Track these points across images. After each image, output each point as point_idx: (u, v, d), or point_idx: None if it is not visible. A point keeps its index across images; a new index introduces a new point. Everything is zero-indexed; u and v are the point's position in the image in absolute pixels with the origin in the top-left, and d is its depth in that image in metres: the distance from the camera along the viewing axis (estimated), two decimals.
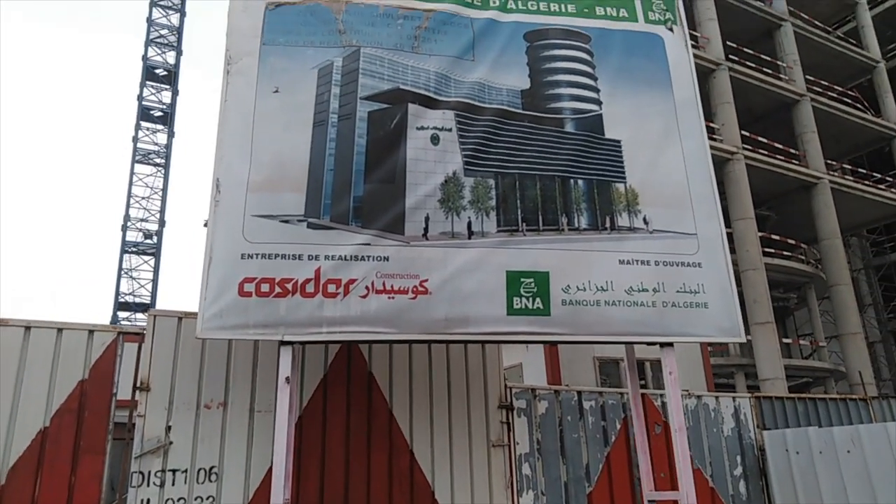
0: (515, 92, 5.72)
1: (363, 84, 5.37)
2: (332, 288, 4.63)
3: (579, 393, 7.17)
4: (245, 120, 5.02)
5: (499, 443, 6.14)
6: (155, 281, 30.13)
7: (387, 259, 4.81)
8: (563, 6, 6.18)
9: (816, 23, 24.40)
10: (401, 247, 4.89)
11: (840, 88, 24.54)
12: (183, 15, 32.21)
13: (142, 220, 30.43)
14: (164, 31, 31.75)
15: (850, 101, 24.44)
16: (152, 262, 30.42)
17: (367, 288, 4.69)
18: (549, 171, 5.53)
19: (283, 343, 4.53)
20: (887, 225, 27.29)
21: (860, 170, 25.18)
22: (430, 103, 5.45)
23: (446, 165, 5.29)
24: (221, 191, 4.75)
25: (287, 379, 4.45)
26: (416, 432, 5.81)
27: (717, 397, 8.21)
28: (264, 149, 4.97)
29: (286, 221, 4.77)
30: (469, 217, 5.17)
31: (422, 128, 5.35)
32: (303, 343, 4.83)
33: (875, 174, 25.00)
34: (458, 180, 5.25)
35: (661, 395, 7.48)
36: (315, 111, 5.21)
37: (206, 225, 4.89)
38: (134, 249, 30.24)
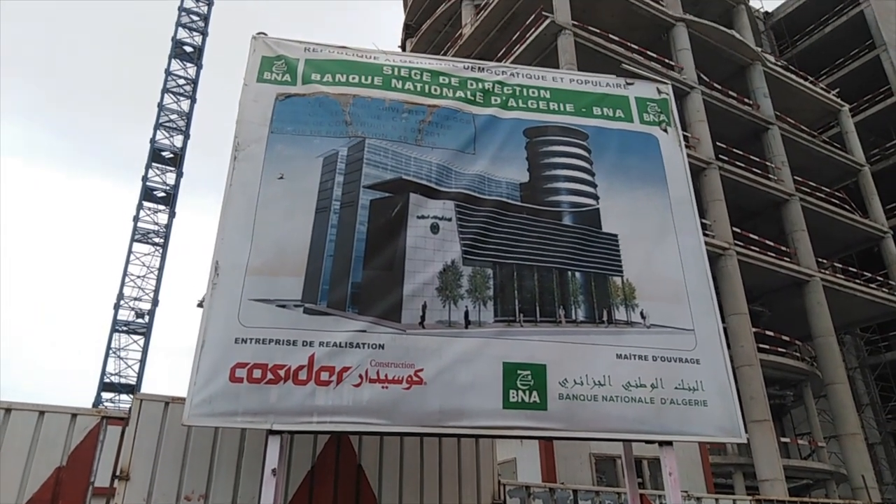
0: (514, 185, 5.85)
1: (367, 173, 5.50)
2: (325, 375, 4.54)
3: (575, 492, 6.89)
4: (249, 204, 5.10)
5: None
6: (143, 362, 29.60)
7: (382, 347, 4.75)
8: (561, 105, 6.43)
9: (802, 127, 25.43)
10: (397, 335, 4.84)
11: (828, 189, 25.25)
12: (193, 102, 33.40)
13: (135, 298, 30.26)
14: (173, 116, 32.79)
15: (837, 201, 25.08)
16: (142, 342, 29.97)
17: (360, 376, 4.60)
18: (547, 263, 5.57)
19: (271, 432, 4.38)
20: (881, 324, 27.28)
21: (851, 269, 25.48)
22: (431, 193, 5.56)
23: (445, 254, 5.33)
24: (220, 273, 4.75)
25: (273, 471, 4.27)
26: None
27: (716, 499, 7.92)
28: (266, 233, 5.02)
29: (283, 306, 4.74)
30: (466, 306, 5.15)
31: (422, 217, 5.44)
32: (292, 433, 4.67)
33: (865, 273, 25.26)
34: (457, 269, 5.27)
35: (660, 496, 7.20)
36: (318, 198, 5.30)
37: (199, 306, 4.85)
38: (125, 328, 29.87)
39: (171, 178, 32.22)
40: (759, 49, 25.43)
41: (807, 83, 26.80)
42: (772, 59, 26.51)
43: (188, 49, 34.01)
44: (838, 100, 27.60)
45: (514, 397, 4.85)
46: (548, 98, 6.44)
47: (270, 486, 4.23)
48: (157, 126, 32.25)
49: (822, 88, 27.70)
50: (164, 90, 32.94)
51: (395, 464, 5.74)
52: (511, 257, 5.50)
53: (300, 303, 4.79)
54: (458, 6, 25.28)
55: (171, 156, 32.35)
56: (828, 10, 32.31)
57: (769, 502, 8.44)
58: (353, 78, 5.99)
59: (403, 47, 29.26)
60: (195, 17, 34.47)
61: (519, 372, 4.96)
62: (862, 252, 26.80)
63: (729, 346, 18.48)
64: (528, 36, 19.92)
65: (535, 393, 4.92)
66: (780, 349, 20.78)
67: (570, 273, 5.57)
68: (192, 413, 4.30)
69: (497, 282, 5.35)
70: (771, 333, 20.87)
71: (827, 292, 21.43)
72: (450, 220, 5.49)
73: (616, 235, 5.80)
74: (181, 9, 34.08)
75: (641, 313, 5.51)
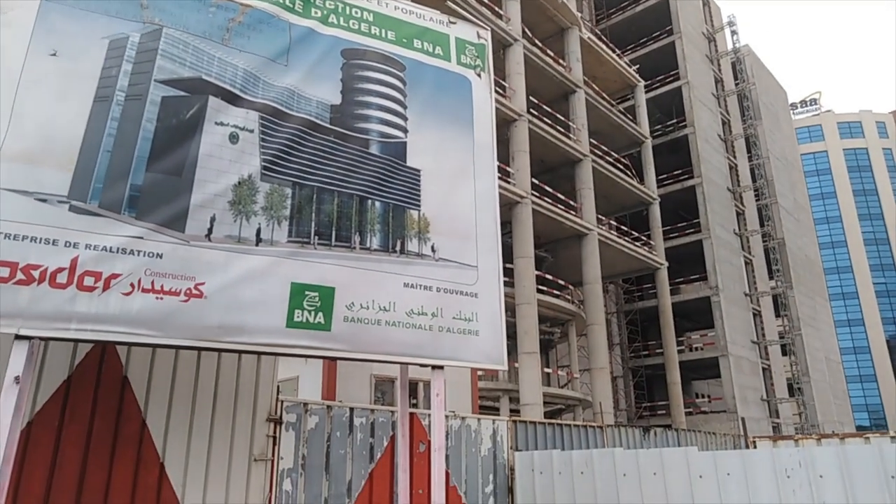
0: (325, 105, 5.70)
1: (161, 66, 4.99)
2: (89, 281, 4.17)
3: (351, 409, 7.23)
4: (8, 79, 4.37)
5: (262, 457, 5.95)
6: None
7: (160, 256, 4.46)
8: (383, 31, 6.32)
9: (604, 95, 27.83)
10: (178, 245, 4.57)
11: (616, 155, 28.16)
12: None
13: None
14: None
15: (622, 167, 28.12)
16: None
17: (132, 285, 4.30)
18: (349, 189, 5.58)
19: (18, 337, 3.96)
20: (639, 277, 31.69)
21: (623, 227, 29.03)
22: (233, 100, 5.21)
23: (242, 167, 5.08)
24: None
25: (17, 378, 3.89)
26: (171, 444, 5.41)
27: (479, 419, 8.80)
28: (28, 115, 4.36)
29: (43, 200, 4.22)
30: (259, 223, 5.00)
31: (221, 123, 5.10)
32: (44, 339, 4.26)
33: (634, 233, 28.94)
34: (253, 184, 5.07)
35: (430, 415, 7.83)
36: (98, 85, 4.70)
37: None
38: None
39: None
40: (580, 14, 27.04)
41: (614, 55, 29.19)
42: (589, 26, 28.35)
43: None
44: (637, 75, 30.52)
45: (298, 317, 4.89)
46: (370, 21, 6.29)
47: (12, 394, 3.85)
48: None
49: (626, 62, 30.38)
50: None
51: (166, 377, 5.54)
52: (313, 179, 5.41)
53: (66, 199, 4.29)
54: None
55: None
56: None
57: (522, 422, 9.55)
58: None
59: None
60: None
61: (307, 293, 4.99)
62: (634, 213, 30.56)
63: (513, 286, 20.20)
64: None
65: (320, 314, 5.00)
66: (555, 291, 23.25)
67: (370, 202, 5.65)
68: None
69: (295, 202, 5.25)
70: (550, 277, 23.22)
71: (601, 245, 24.24)
72: (251, 131, 5.23)
73: (419, 170, 5.96)
74: None
75: (432, 247, 5.80)
